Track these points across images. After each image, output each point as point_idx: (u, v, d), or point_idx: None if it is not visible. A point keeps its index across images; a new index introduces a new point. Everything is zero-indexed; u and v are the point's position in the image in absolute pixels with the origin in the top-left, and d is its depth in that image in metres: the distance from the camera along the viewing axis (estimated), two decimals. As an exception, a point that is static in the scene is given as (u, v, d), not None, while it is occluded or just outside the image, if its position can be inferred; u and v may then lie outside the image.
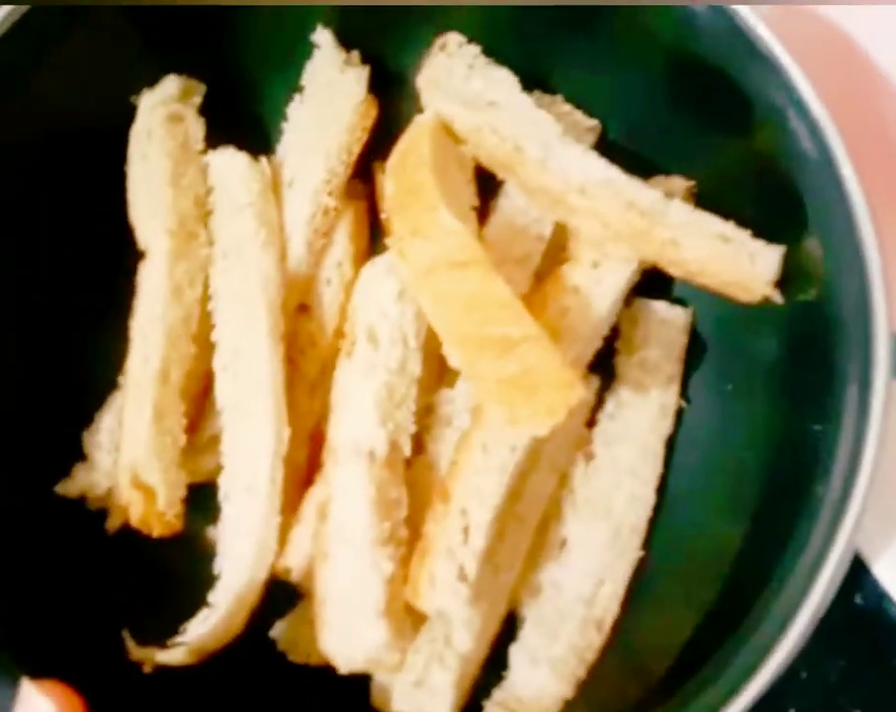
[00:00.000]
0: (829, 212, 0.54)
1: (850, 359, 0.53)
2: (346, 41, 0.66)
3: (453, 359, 0.57)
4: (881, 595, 0.67)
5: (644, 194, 0.59)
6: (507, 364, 0.53)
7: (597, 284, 0.61)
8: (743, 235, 0.58)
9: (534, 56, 0.65)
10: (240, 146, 0.65)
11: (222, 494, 0.61)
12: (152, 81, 0.65)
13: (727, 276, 0.58)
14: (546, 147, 0.60)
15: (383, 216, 0.64)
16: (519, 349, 0.53)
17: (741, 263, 0.58)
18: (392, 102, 0.66)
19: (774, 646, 0.50)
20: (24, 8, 0.58)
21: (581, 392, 0.53)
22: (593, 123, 0.66)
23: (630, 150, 0.65)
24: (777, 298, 0.58)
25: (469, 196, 0.63)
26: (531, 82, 0.64)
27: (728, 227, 0.59)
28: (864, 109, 0.65)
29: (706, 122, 0.61)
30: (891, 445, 0.51)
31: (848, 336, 0.53)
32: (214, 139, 0.66)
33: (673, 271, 0.60)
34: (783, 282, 0.58)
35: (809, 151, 0.55)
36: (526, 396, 0.53)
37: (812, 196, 0.56)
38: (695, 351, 0.66)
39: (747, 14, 0.56)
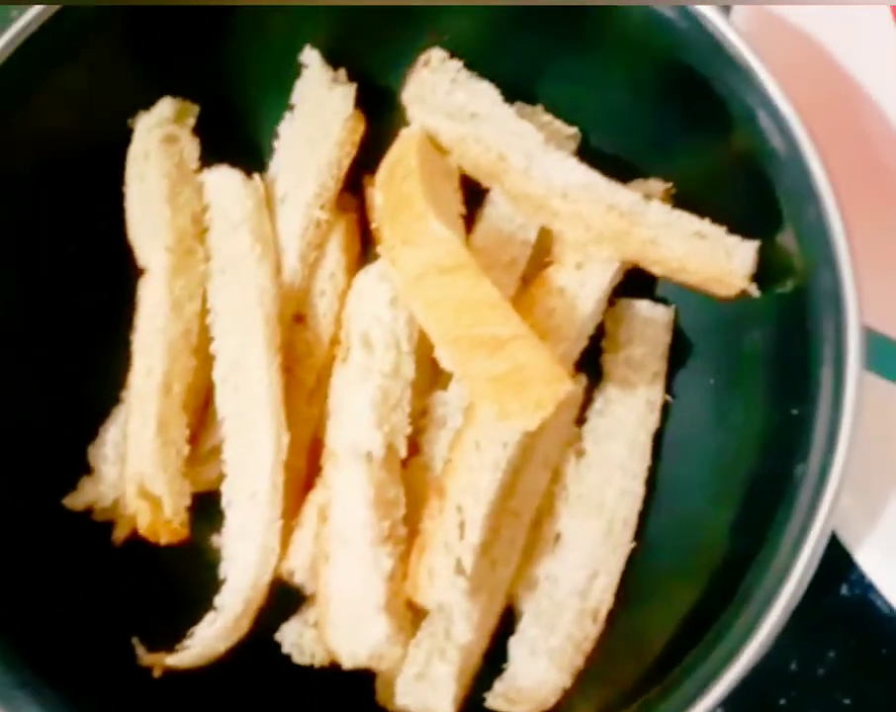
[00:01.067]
0: (800, 206, 0.56)
1: (824, 344, 0.54)
2: (334, 60, 0.68)
3: (445, 361, 0.59)
4: (867, 586, 0.68)
5: (624, 196, 0.61)
6: (498, 362, 0.55)
7: (582, 285, 0.63)
8: (719, 232, 0.60)
9: (515, 70, 0.66)
10: (234, 164, 0.67)
11: (225, 501, 0.62)
12: (147, 103, 0.66)
13: (705, 272, 0.60)
14: (529, 156, 0.62)
15: (373, 226, 0.65)
16: (508, 348, 0.55)
17: (718, 258, 0.60)
18: (378, 117, 0.68)
19: (756, 627, 0.52)
20: (26, 34, 0.60)
21: (569, 385, 0.55)
22: (573, 131, 0.67)
23: (609, 155, 0.66)
24: (754, 291, 0.60)
25: (456, 204, 0.65)
26: (512, 94, 0.65)
27: (704, 225, 0.61)
28: (833, 107, 0.67)
29: (683, 124, 0.63)
30: (869, 437, 0.54)
31: (823, 323, 0.55)
32: (208, 159, 0.67)
33: (655, 270, 0.62)
34: (762, 277, 0.60)
35: (779, 149, 0.56)
36: (516, 392, 0.55)
37: (785, 192, 0.57)
38: (680, 348, 0.67)
39: (718, 21, 0.58)
